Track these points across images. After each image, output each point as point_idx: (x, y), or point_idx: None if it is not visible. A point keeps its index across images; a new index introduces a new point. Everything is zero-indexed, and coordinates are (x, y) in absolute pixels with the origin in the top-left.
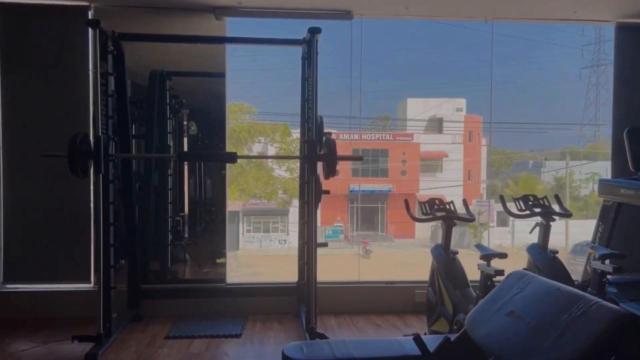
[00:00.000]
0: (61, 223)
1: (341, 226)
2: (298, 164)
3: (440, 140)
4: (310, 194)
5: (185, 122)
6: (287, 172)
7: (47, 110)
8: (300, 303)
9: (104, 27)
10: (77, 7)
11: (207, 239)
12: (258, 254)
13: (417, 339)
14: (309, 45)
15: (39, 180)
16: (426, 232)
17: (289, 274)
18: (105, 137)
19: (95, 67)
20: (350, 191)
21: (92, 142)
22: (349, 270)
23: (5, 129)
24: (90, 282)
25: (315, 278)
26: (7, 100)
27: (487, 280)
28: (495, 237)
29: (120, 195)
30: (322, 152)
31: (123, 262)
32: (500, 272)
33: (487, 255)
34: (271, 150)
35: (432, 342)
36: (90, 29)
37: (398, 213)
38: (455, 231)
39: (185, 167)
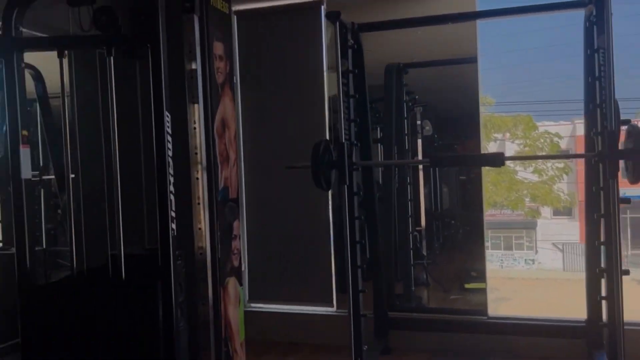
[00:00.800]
0: (300, 239)
1: None
2: (549, 165)
3: None
4: (609, 204)
5: (418, 122)
6: (535, 175)
7: (281, 117)
8: (593, 349)
9: (344, 19)
10: (310, 3)
11: (447, 258)
12: (499, 275)
13: None
14: (599, 5)
15: (277, 193)
16: None
17: (548, 304)
18: (348, 143)
19: (331, 65)
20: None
21: (332, 150)
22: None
23: (246, 140)
24: (332, 306)
25: (622, 319)
26: (247, 110)
27: None
28: None
29: (362, 208)
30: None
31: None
32: None
33: None
34: (510, 148)
35: None
36: (325, 23)
37: None
38: None
39: (420, 174)
